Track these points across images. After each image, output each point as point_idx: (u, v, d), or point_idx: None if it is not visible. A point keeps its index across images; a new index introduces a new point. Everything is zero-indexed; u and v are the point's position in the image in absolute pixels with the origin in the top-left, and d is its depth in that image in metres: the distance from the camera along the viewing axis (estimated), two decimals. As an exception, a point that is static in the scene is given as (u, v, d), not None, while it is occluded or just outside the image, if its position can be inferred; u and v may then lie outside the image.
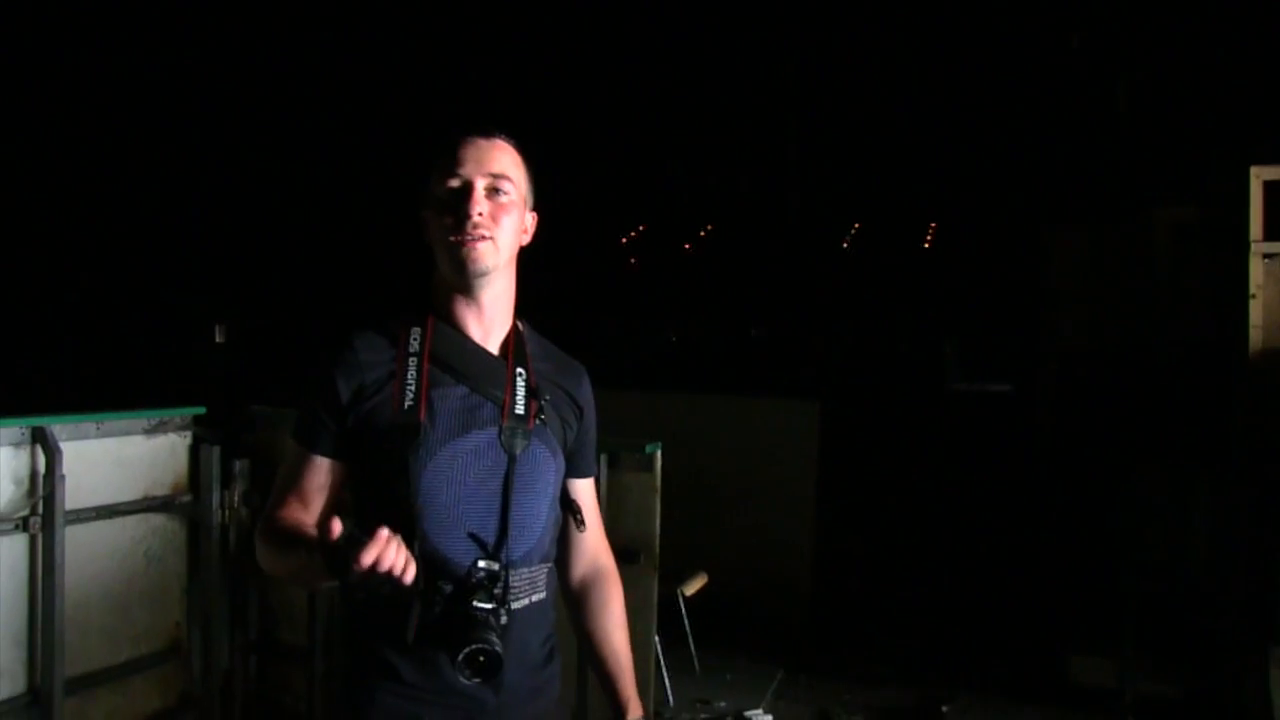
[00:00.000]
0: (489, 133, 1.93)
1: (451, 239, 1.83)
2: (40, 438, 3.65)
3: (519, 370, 1.91)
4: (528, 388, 1.90)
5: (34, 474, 3.65)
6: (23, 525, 3.61)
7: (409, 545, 1.68)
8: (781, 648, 6.07)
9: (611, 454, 4.03)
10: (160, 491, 4.18)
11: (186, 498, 4.26)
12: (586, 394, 2.08)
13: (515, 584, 1.84)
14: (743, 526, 6.59)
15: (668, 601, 4.98)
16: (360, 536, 1.52)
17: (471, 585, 1.76)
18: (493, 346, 1.92)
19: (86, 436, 3.89)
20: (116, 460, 4.03)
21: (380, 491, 1.82)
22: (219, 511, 4.27)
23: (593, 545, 2.13)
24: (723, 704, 5.23)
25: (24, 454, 3.64)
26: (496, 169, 1.87)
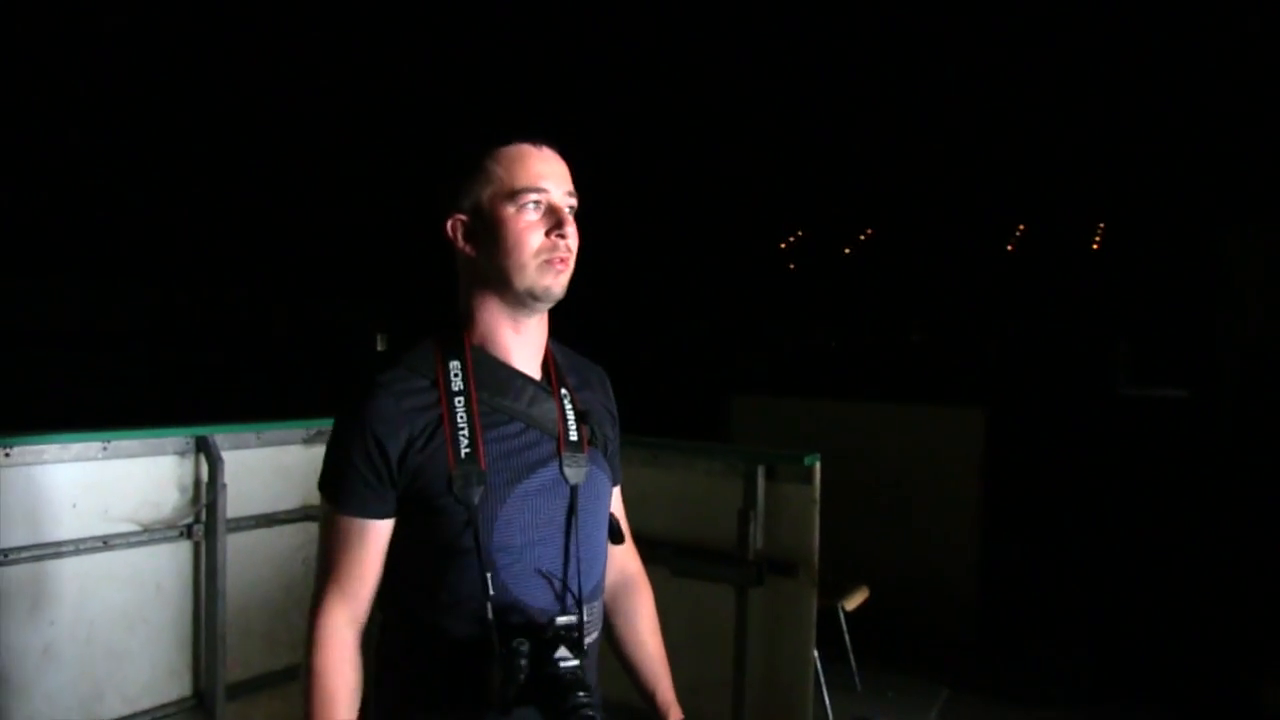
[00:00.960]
0: (550, 143, 1.79)
1: (542, 259, 1.70)
2: (203, 447, 3.71)
3: (563, 392, 1.80)
4: (575, 411, 1.79)
5: (198, 482, 3.71)
6: (187, 532, 3.68)
7: (482, 604, 1.61)
8: (947, 664, 5.83)
9: (769, 465, 3.91)
10: (318, 500, 4.19)
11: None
12: (613, 398, 1.99)
13: (588, 620, 1.73)
14: (906, 538, 6.39)
15: (827, 616, 4.81)
16: None
17: (551, 639, 1.62)
18: (533, 368, 1.80)
19: (247, 446, 3.94)
20: (276, 469, 4.07)
21: (439, 550, 1.68)
22: (376, 520, 4.30)
23: (621, 552, 2.02)
24: (885, 723, 5.04)
25: (188, 463, 3.70)
26: (570, 186, 1.75)
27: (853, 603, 5.24)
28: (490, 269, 1.72)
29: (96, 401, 13.05)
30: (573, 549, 1.73)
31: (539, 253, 1.69)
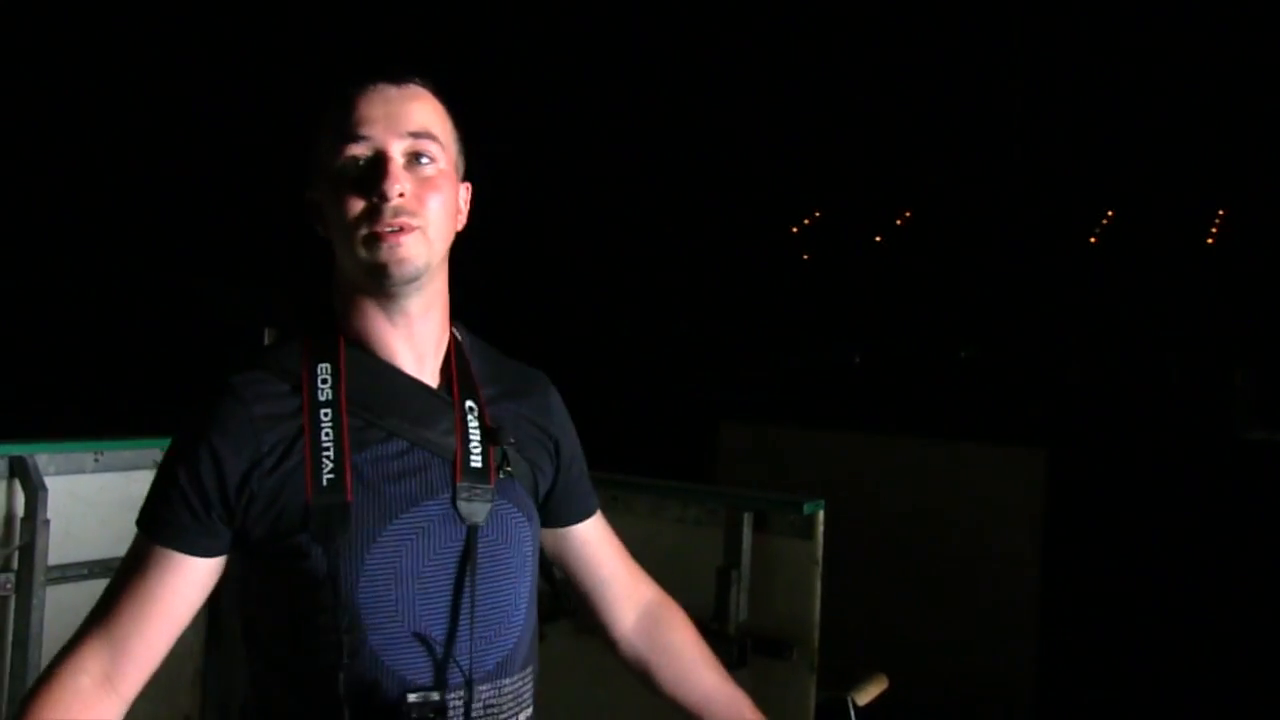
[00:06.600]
0: (400, 76, 1.79)
1: (364, 232, 1.69)
2: (19, 470, 3.66)
3: (468, 405, 1.81)
4: (483, 428, 1.80)
5: (9, 517, 3.66)
6: None
7: (333, 674, 1.62)
8: (989, 781, 5.91)
9: (759, 513, 3.97)
10: None
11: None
12: (558, 416, 2.00)
13: (496, 703, 1.76)
14: (939, 614, 6.45)
15: (831, 711, 4.89)
16: None
17: None
18: (429, 374, 1.82)
19: (80, 470, 3.90)
20: (119, 501, 3.99)
21: (292, 606, 1.70)
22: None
23: (629, 583, 2.09)
24: None
25: None
26: (416, 126, 1.74)
27: (866, 695, 5.29)
28: (337, 251, 1.76)
29: None
30: (464, 606, 1.72)
31: (357, 223, 1.69)
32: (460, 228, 1.85)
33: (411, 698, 1.63)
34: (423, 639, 1.69)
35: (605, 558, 2.07)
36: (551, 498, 1.96)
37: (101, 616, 1.68)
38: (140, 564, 1.69)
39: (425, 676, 1.68)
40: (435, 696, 1.65)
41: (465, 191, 1.87)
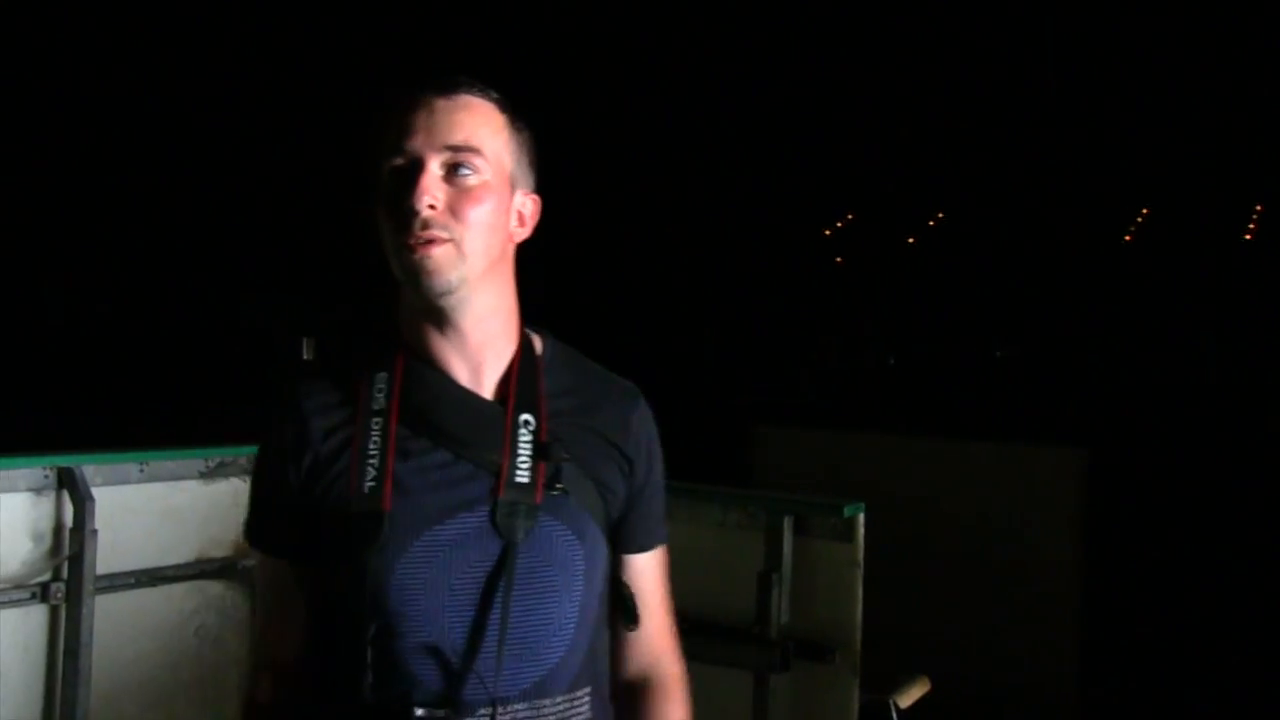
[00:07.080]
0: (450, 87, 1.75)
1: (396, 244, 1.69)
2: (68, 482, 3.67)
3: (524, 419, 1.76)
4: (536, 443, 1.75)
5: (58, 528, 3.67)
6: (41, 594, 3.62)
7: (358, 681, 1.64)
8: (1032, 782, 5.89)
9: (799, 517, 3.98)
10: (219, 552, 4.17)
11: (251, 560, 4.19)
12: (639, 433, 1.93)
13: None
14: (980, 617, 6.44)
15: (874, 714, 4.89)
16: None
17: None
18: (487, 387, 1.79)
19: (126, 480, 3.91)
20: (164, 511, 4.04)
21: (326, 610, 1.74)
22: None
23: (649, 644, 1.98)
24: None
25: (46, 502, 3.67)
26: (458, 138, 1.71)
27: (908, 698, 5.29)
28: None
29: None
30: (491, 622, 1.69)
31: (391, 234, 1.70)
32: (520, 239, 1.83)
33: (419, 712, 1.64)
34: (448, 651, 1.68)
35: (643, 602, 1.96)
36: (611, 521, 1.89)
37: (259, 635, 1.85)
38: (266, 578, 1.84)
39: (447, 688, 1.68)
40: (441, 713, 1.65)
41: (532, 203, 1.84)
